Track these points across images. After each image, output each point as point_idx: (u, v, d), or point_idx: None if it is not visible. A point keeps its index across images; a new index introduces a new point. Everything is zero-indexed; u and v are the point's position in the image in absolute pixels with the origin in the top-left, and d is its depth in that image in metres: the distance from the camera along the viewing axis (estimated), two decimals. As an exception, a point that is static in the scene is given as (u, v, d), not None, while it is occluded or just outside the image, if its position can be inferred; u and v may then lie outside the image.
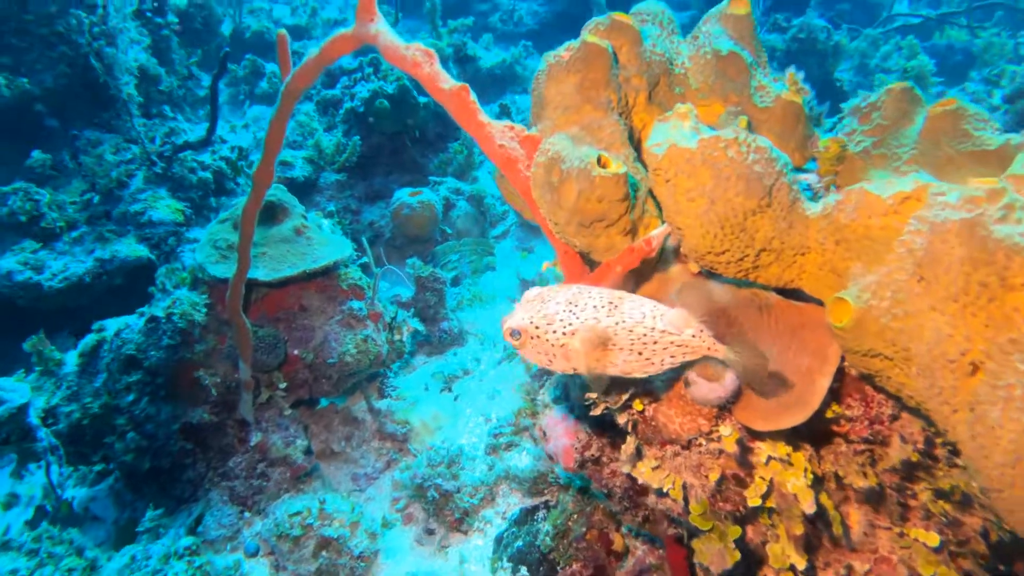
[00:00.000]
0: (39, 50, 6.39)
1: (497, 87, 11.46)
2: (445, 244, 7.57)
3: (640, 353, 1.75)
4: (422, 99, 7.99)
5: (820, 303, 2.10)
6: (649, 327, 1.73)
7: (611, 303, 1.76)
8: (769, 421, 1.95)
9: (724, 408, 1.97)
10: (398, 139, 8.36)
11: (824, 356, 2.00)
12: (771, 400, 1.96)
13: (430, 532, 4.53)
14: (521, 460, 4.77)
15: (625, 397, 2.12)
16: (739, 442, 1.99)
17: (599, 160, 2.07)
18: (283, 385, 4.68)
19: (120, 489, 4.99)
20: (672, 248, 2.41)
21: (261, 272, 4.48)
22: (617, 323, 1.73)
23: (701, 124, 2.03)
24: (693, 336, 1.77)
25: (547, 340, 1.75)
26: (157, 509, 4.45)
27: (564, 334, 1.74)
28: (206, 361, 4.53)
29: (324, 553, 4.17)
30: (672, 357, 1.78)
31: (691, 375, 1.94)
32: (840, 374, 2.02)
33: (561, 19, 12.93)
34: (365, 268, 5.43)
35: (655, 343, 1.74)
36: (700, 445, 2.09)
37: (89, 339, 4.82)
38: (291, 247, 4.73)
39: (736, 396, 1.92)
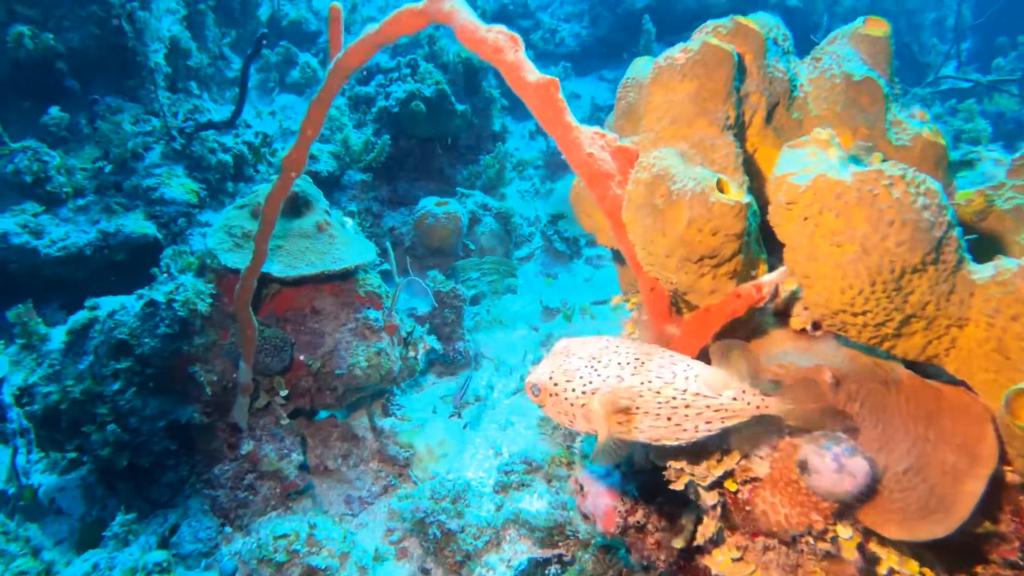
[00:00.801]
0: (69, 6, 6.09)
1: (532, 105, 11.18)
2: (467, 260, 7.21)
3: (669, 419, 1.55)
4: (459, 107, 7.69)
5: (965, 385, 1.73)
6: (680, 389, 1.53)
7: (638, 359, 1.57)
8: (905, 528, 1.57)
9: (852, 504, 1.59)
10: (429, 145, 8.05)
11: (974, 455, 1.63)
12: (909, 502, 1.58)
13: (425, 572, 4.10)
14: (532, 504, 4.36)
15: (718, 473, 1.73)
16: (860, 548, 1.60)
17: (718, 184, 1.71)
18: (284, 392, 4.29)
19: (92, 483, 4.57)
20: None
21: (276, 267, 4.11)
22: (643, 383, 1.53)
23: (847, 154, 1.68)
24: (734, 399, 1.53)
25: (566, 399, 1.58)
26: (129, 512, 4.02)
27: (584, 393, 1.56)
28: (204, 356, 4.14)
29: (307, 585, 3.74)
30: (708, 423, 1.56)
31: (812, 459, 1.56)
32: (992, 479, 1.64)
33: (602, 44, 12.72)
34: (385, 276, 5.06)
35: (687, 407, 1.54)
36: (805, 543, 1.70)
37: (80, 316, 4.43)
38: (311, 244, 4.37)
39: (869, 491, 1.54)
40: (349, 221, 4.86)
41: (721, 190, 1.73)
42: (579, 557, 3.53)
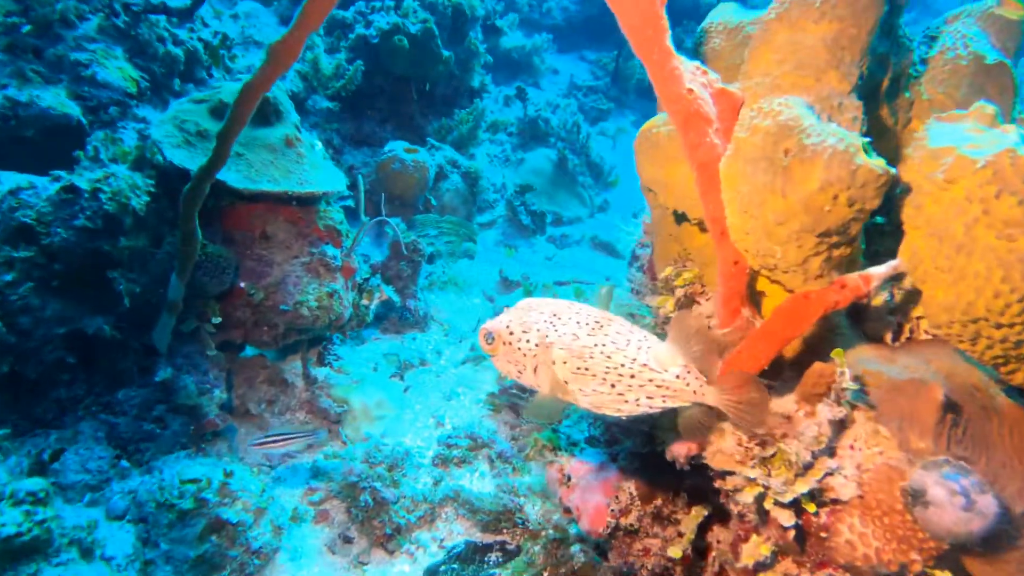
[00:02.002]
0: None
1: (510, 71, 10.71)
2: (426, 215, 6.74)
3: (613, 386, 1.53)
4: (445, 52, 7.16)
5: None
6: (630, 357, 1.51)
7: (597, 323, 1.57)
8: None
9: (967, 548, 1.34)
10: (404, 88, 7.47)
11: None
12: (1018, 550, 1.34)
13: (347, 540, 3.70)
14: (474, 483, 4.02)
15: (801, 490, 1.45)
16: (955, 598, 1.36)
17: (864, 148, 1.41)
18: (216, 320, 3.75)
19: (-39, 388, 3.87)
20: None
21: (233, 176, 3.56)
22: (596, 345, 1.53)
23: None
24: (677, 377, 1.50)
25: (519, 348, 1.61)
26: (4, 426, 3.41)
27: (537, 344, 1.58)
28: (128, 262, 3.54)
29: (214, 538, 3.27)
30: (649, 398, 1.53)
31: (934, 490, 1.29)
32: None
33: (589, 23, 12.36)
34: (349, 213, 4.56)
35: (632, 377, 1.52)
36: (882, 583, 1.45)
37: (-25, 190, 3.70)
38: (276, 159, 3.82)
39: (993, 536, 1.29)
40: (319, 144, 4.32)
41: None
42: (526, 548, 3.23)
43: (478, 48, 8.03)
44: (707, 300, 1.98)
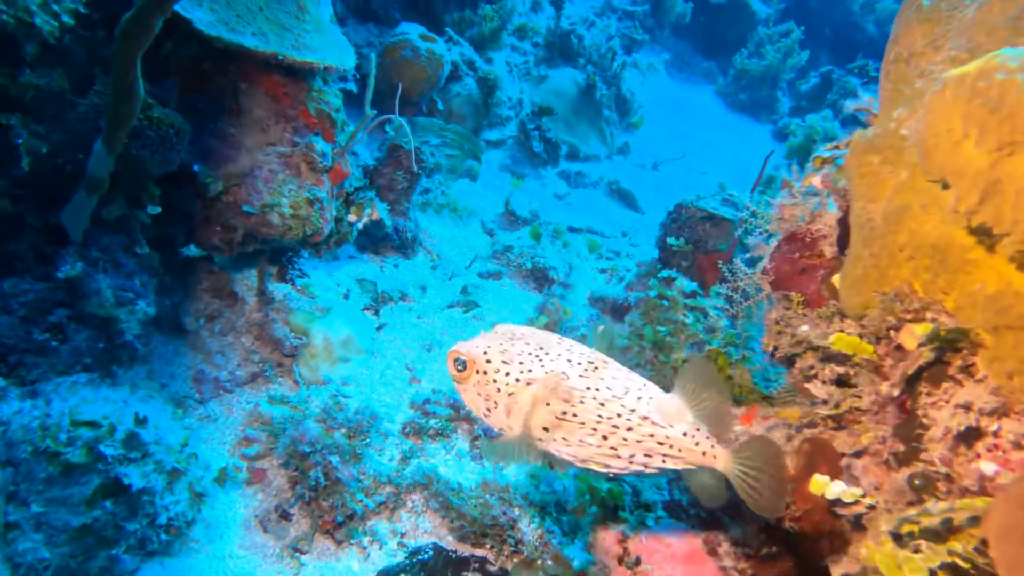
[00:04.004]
0: None
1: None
2: (430, 119, 5.71)
3: (605, 438, 1.35)
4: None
5: None
6: (628, 408, 1.34)
7: (591, 363, 1.40)
8: None
9: None
10: (427, -41, 6.25)
11: None
12: None
13: (285, 516, 2.94)
14: (451, 464, 3.29)
15: None
16: None
17: None
18: (154, 209, 2.79)
19: None
20: None
21: (206, 16, 2.52)
22: (589, 388, 1.36)
23: None
24: (684, 434, 1.32)
25: (494, 381, 1.41)
26: None
27: (518, 380, 1.40)
28: (34, 107, 2.51)
29: (109, 504, 2.45)
30: (647, 456, 1.35)
31: None
32: None
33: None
34: (348, 101, 3.55)
35: (629, 430, 1.34)
36: None
37: None
38: (268, 9, 2.78)
39: None
40: (327, 6, 3.26)
41: None
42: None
43: (520, -68, 6.79)
44: (978, 383, 1.19)
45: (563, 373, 1.36)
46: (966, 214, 1.08)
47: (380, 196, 4.35)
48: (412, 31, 5.45)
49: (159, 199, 2.82)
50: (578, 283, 4.93)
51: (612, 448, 1.36)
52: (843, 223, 1.92)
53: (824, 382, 1.69)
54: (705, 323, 3.02)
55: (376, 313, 4.13)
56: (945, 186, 1.15)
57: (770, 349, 1.99)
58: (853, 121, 2.51)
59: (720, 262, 4.19)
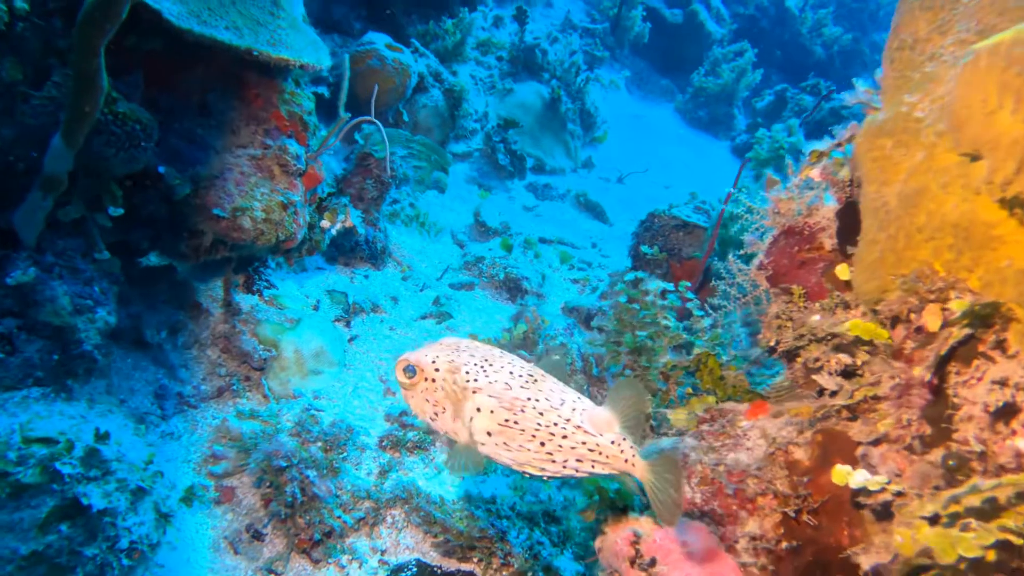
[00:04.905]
0: None
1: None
2: (395, 130, 5.63)
3: (543, 444, 1.47)
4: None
5: None
6: (564, 417, 1.47)
7: (532, 376, 1.52)
8: None
9: None
10: (392, -29, 6.21)
11: None
12: None
13: (258, 536, 2.77)
14: (430, 479, 3.16)
15: None
16: None
17: None
18: (116, 211, 2.63)
19: None
20: None
21: (175, 6, 2.41)
22: (530, 399, 1.47)
23: None
24: (612, 443, 1.46)
25: (442, 389, 1.52)
26: None
27: (464, 387, 1.50)
28: (-12, 102, 2.35)
29: (65, 528, 2.25)
30: (578, 461, 1.48)
31: None
32: None
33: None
34: (320, 105, 3.45)
35: (564, 437, 1.47)
36: None
37: None
38: (241, 3, 2.67)
39: None
40: (300, 6, 3.17)
41: None
42: (506, 591, 2.44)
43: (482, -51, 6.83)
44: (1010, 359, 1.18)
45: (506, 384, 1.47)
46: (1001, 185, 1.07)
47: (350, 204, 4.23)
48: (379, 40, 5.38)
49: (121, 201, 2.65)
50: (551, 293, 4.89)
51: (548, 453, 1.47)
52: (842, 215, 1.92)
53: (831, 373, 1.67)
54: (687, 323, 3.00)
55: (348, 325, 3.99)
56: (975, 159, 1.14)
57: (771, 344, 1.97)
58: (819, 132, 2.54)
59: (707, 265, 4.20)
